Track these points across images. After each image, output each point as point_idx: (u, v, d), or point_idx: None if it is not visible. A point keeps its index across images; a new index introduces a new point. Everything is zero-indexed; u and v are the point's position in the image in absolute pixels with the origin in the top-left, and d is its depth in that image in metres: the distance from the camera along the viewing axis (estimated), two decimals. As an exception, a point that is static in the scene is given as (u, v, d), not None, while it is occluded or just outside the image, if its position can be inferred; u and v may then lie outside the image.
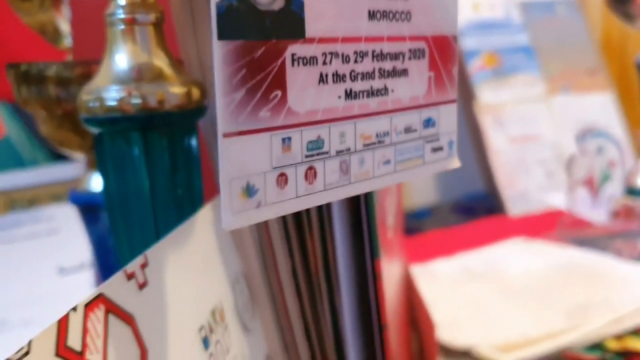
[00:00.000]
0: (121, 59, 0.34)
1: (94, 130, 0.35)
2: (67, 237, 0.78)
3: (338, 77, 0.27)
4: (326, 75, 0.26)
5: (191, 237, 0.33)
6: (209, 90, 0.36)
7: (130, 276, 0.27)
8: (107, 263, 0.51)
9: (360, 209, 0.37)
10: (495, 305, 0.69)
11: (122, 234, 0.36)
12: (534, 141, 1.16)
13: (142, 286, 0.28)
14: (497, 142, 1.12)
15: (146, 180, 0.34)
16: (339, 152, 0.28)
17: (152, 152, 0.34)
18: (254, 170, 0.24)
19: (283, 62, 0.25)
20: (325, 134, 0.27)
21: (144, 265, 0.28)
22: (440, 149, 0.33)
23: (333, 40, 0.27)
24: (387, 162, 0.30)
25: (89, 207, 0.50)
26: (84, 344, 0.23)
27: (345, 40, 0.27)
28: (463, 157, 0.35)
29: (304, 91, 0.26)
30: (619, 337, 0.60)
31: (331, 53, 0.27)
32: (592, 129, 0.99)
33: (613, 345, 0.59)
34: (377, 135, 0.29)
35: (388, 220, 0.46)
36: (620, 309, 0.64)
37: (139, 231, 0.35)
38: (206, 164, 0.39)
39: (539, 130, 1.17)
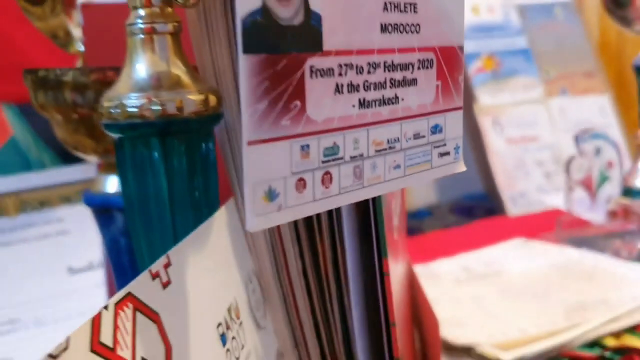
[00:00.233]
0: (141, 67, 0.35)
1: (115, 135, 0.36)
2: (77, 237, 0.80)
3: (352, 87, 0.29)
4: (342, 86, 0.28)
5: (209, 238, 0.35)
6: (224, 97, 0.38)
7: (155, 275, 0.29)
8: (120, 263, 0.53)
9: (368, 211, 0.39)
10: (495, 305, 0.70)
11: (141, 235, 0.37)
12: (532, 142, 1.17)
13: (165, 285, 0.29)
14: (496, 144, 1.14)
15: (165, 184, 0.36)
16: (352, 158, 0.29)
17: (171, 157, 0.35)
18: (275, 175, 0.26)
19: (302, 74, 0.26)
20: (340, 140, 0.28)
21: (167, 265, 0.30)
22: (447, 153, 0.34)
23: (348, 52, 0.28)
24: (397, 166, 0.32)
25: (103, 209, 0.51)
26: (115, 341, 0.25)
27: (360, 52, 0.29)
28: (463, 158, 0.37)
29: (321, 101, 0.27)
30: (617, 334, 0.61)
31: (346, 65, 0.28)
32: (590, 130, 1.01)
33: (611, 342, 0.60)
34: (388, 142, 0.31)
35: (394, 222, 0.47)
36: (618, 307, 0.65)
37: (158, 233, 0.37)
38: (220, 168, 0.41)
39: (538, 132, 1.18)
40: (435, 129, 0.33)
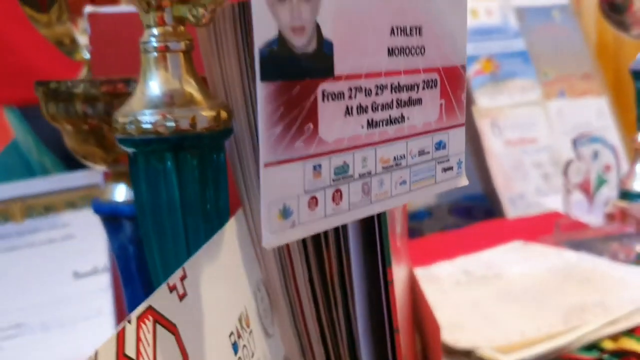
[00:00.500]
0: (154, 85, 0.36)
1: (129, 150, 0.37)
2: (82, 242, 0.81)
3: (361, 109, 0.30)
4: (351, 108, 0.29)
5: (221, 249, 0.36)
6: (233, 110, 0.39)
7: (172, 288, 0.30)
8: (128, 270, 0.54)
9: (373, 222, 0.40)
10: (495, 308, 0.71)
11: (153, 245, 0.39)
12: (530, 144, 1.18)
13: (182, 297, 0.30)
14: (495, 146, 1.15)
15: (177, 196, 0.37)
16: (361, 175, 0.31)
17: (183, 170, 0.37)
18: (289, 194, 0.27)
19: (315, 98, 0.28)
20: (350, 159, 0.30)
21: (183, 278, 0.31)
22: (450, 168, 0.36)
23: (357, 76, 0.29)
24: (403, 182, 0.33)
25: (111, 217, 0.53)
26: (138, 352, 0.26)
27: (368, 75, 0.30)
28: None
29: (333, 123, 0.29)
30: (615, 337, 0.62)
31: (356, 88, 0.30)
32: (588, 134, 1.02)
33: (609, 345, 0.61)
34: (394, 159, 0.32)
35: (397, 229, 0.48)
36: (616, 310, 0.66)
37: (170, 243, 0.38)
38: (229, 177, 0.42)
39: (536, 134, 1.19)
40: (439, 145, 0.35)
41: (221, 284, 0.35)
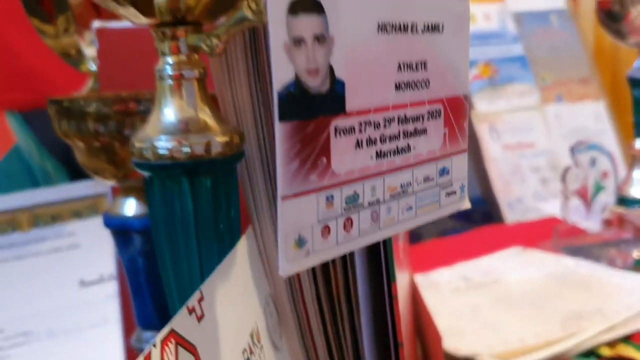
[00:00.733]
0: (169, 112, 0.38)
1: (145, 174, 0.39)
2: (88, 251, 0.82)
3: (370, 142, 0.32)
4: (361, 141, 0.31)
5: (233, 268, 0.38)
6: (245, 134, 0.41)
7: (191, 310, 0.31)
8: (137, 281, 0.55)
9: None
10: (494, 314, 0.72)
11: (168, 263, 0.40)
12: (528, 149, 1.19)
13: (200, 318, 0.32)
14: (493, 150, 1.16)
15: (192, 218, 0.39)
16: (370, 204, 0.32)
17: (198, 193, 0.38)
18: (304, 224, 0.29)
19: (328, 135, 0.29)
20: (360, 189, 0.31)
21: (200, 300, 0.32)
22: (453, 193, 0.38)
23: (367, 111, 0.31)
24: (410, 208, 0.35)
25: (121, 231, 0.54)
26: (162, 374, 0.27)
27: (377, 110, 0.32)
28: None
29: (344, 156, 0.30)
30: (612, 344, 0.63)
31: (365, 122, 0.31)
32: (585, 142, 1.03)
33: (607, 352, 0.62)
34: (401, 186, 0.34)
35: (400, 242, 0.50)
36: (613, 317, 0.67)
37: (185, 261, 0.39)
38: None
39: (534, 138, 1.21)
40: (443, 172, 0.37)
41: (235, 302, 0.37)
